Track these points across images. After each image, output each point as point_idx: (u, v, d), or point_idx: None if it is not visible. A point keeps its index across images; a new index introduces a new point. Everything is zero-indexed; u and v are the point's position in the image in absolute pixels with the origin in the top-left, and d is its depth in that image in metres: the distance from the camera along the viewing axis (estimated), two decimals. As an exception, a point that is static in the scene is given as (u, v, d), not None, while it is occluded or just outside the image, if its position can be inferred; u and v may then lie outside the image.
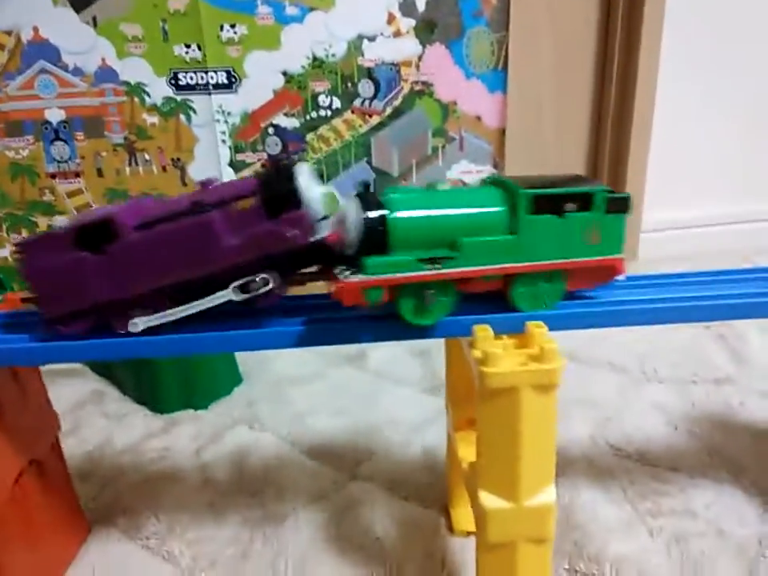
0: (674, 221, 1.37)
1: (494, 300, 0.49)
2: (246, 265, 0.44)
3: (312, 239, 0.44)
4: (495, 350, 0.43)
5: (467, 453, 0.54)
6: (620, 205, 0.47)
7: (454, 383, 0.59)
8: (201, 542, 0.62)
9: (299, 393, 0.88)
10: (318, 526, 0.63)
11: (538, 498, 0.46)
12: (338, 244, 0.45)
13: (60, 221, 0.45)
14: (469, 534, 0.60)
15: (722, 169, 1.37)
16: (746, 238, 1.35)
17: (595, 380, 0.89)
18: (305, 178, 0.44)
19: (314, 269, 0.49)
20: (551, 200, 0.46)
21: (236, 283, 0.45)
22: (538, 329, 0.46)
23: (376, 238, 0.44)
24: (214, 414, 0.84)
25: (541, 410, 0.45)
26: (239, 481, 0.70)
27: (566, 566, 0.57)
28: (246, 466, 0.72)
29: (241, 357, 0.94)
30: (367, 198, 0.45)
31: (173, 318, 0.46)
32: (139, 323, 0.45)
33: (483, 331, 0.46)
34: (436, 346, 0.94)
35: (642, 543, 0.59)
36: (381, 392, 0.88)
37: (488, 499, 0.46)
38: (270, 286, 0.45)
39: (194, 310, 0.45)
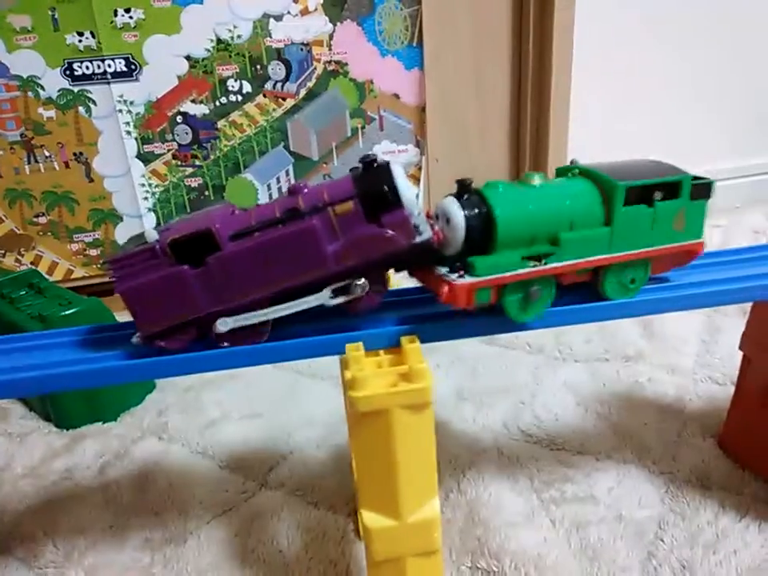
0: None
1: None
2: (347, 269, 0.43)
3: (416, 241, 0.43)
4: (361, 373, 0.42)
5: (358, 466, 0.52)
6: (704, 191, 0.48)
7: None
8: (99, 568, 0.60)
9: (213, 397, 0.86)
10: (222, 542, 0.62)
11: (421, 513, 0.46)
12: (440, 244, 0.44)
13: (149, 233, 0.42)
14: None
15: (643, 136, 1.38)
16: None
17: (513, 363, 0.89)
18: (401, 177, 0.43)
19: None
20: (642, 190, 0.46)
21: (332, 287, 0.44)
22: (410, 344, 0.45)
23: (482, 237, 0.44)
24: (123, 426, 0.81)
25: (415, 429, 0.43)
26: (143, 499, 0.68)
27: (469, 564, 0.58)
28: (151, 483, 0.70)
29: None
30: (465, 195, 0.45)
31: (264, 318, 0.45)
32: (229, 321, 0.44)
33: (355, 350, 0.44)
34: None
35: (544, 534, 0.60)
36: (298, 390, 0.87)
37: (370, 518, 0.45)
38: (365, 289, 0.44)
39: (284, 312, 0.45)
